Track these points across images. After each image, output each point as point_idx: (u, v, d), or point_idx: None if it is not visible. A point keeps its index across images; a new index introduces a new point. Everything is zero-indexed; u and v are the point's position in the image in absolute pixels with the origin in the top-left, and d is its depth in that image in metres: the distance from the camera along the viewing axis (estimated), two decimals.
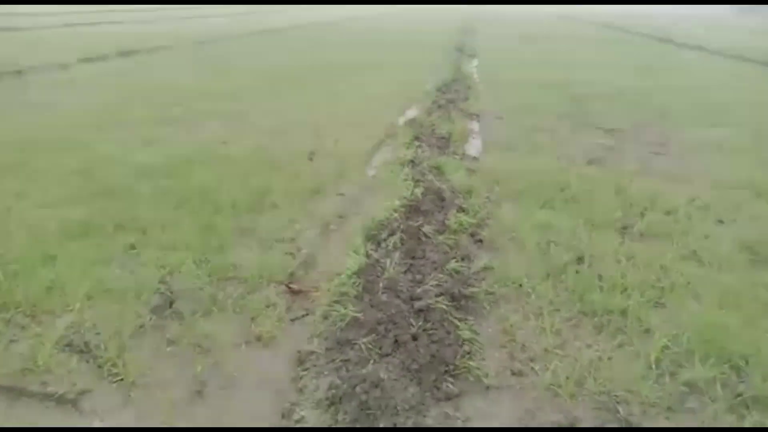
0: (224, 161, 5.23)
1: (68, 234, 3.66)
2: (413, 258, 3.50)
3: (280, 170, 5.05)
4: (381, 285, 3.08)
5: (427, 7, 58.01)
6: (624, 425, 2.26)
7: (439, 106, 8.09)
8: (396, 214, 4.01)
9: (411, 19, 33.62)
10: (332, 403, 2.29)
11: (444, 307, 2.89)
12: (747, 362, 2.54)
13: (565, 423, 2.28)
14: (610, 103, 8.54)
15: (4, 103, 7.97)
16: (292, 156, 5.49)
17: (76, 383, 2.37)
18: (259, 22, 27.02)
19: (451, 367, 2.54)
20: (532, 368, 2.60)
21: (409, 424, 2.22)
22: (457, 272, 3.31)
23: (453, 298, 3.02)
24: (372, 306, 2.89)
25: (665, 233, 3.93)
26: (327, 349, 2.64)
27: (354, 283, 3.11)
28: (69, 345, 2.58)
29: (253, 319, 2.90)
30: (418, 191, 4.46)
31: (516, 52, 14.86)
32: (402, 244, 3.62)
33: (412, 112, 7.72)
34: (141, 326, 2.77)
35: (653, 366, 2.56)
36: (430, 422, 2.24)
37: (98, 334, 2.66)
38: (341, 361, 2.54)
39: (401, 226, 3.80)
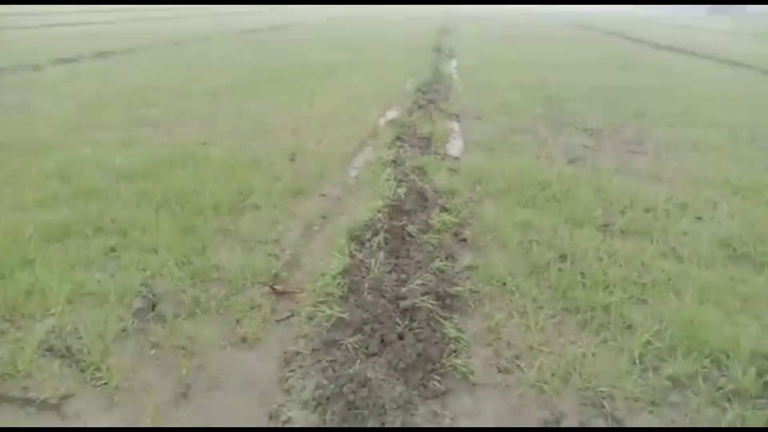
0: (204, 162, 5.18)
1: (46, 237, 3.60)
2: (398, 258, 3.51)
3: (262, 171, 5.02)
4: (366, 285, 3.08)
5: (409, 6, 57.91)
6: (609, 420, 2.29)
7: (420, 107, 8.12)
8: (379, 214, 4.01)
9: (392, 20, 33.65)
10: (319, 404, 2.29)
11: (429, 306, 2.90)
12: (728, 356, 2.59)
13: (551, 419, 2.30)
14: (588, 102, 8.63)
15: None
16: (273, 157, 5.45)
17: (58, 388, 2.32)
18: (234, 23, 26.82)
19: (438, 365, 2.55)
20: (518, 365, 2.62)
21: (398, 422, 2.22)
22: (442, 271, 3.32)
23: (438, 297, 3.03)
24: (357, 306, 2.89)
25: (645, 230, 3.99)
26: (313, 350, 2.63)
27: (339, 283, 3.11)
28: (50, 349, 2.54)
29: (237, 320, 2.88)
30: (401, 191, 4.47)
31: (496, 54, 14.95)
32: (386, 243, 3.63)
33: (392, 113, 7.74)
34: (123, 329, 2.73)
35: (636, 361, 2.60)
36: (418, 420, 2.25)
37: (80, 338, 2.61)
38: (328, 361, 2.53)
39: (385, 226, 3.80)
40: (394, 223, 3.89)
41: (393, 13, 42.38)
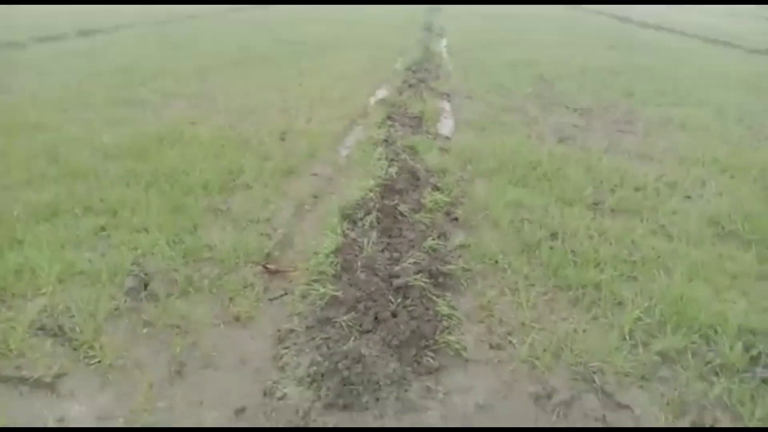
0: (193, 142, 5.12)
1: (35, 217, 3.56)
2: (390, 237, 3.51)
3: (252, 150, 4.99)
4: (359, 264, 3.09)
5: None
6: (600, 394, 2.32)
7: (410, 86, 8.07)
8: (371, 194, 4.01)
9: None
10: (314, 380, 2.30)
11: (422, 284, 2.91)
12: (716, 331, 2.64)
13: (542, 393, 2.33)
14: (577, 82, 8.63)
15: None
16: (263, 136, 5.41)
17: (51, 366, 2.32)
18: None
19: (431, 342, 2.57)
20: (510, 342, 2.65)
21: (392, 398, 2.24)
22: (434, 250, 3.33)
23: (431, 275, 3.05)
24: (351, 285, 2.90)
25: (635, 209, 4.02)
26: (307, 328, 2.64)
27: (332, 262, 3.11)
28: (42, 328, 2.53)
29: (230, 299, 2.88)
30: (393, 170, 4.46)
31: (485, 32, 14.85)
32: (378, 223, 3.63)
33: (382, 92, 7.69)
34: (116, 308, 2.72)
35: (627, 337, 2.64)
36: (412, 396, 2.27)
37: (72, 317, 2.60)
38: (322, 338, 2.54)
39: (377, 205, 3.80)
40: (386, 202, 3.89)
41: None
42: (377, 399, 2.23)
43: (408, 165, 4.63)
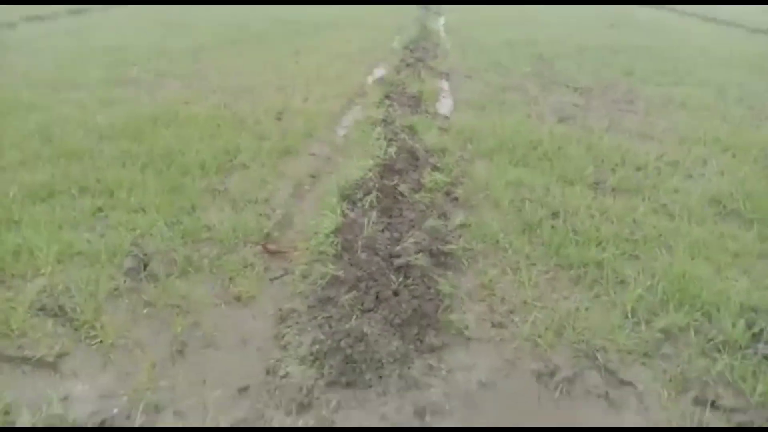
0: (188, 122, 5.07)
1: (31, 197, 3.52)
2: (390, 217, 3.49)
3: (248, 130, 4.94)
4: (359, 243, 3.06)
5: None
6: (603, 371, 2.32)
7: (408, 65, 7.99)
8: (370, 174, 3.97)
9: None
10: (317, 358, 2.29)
11: (423, 263, 2.89)
12: (718, 309, 2.63)
13: (545, 371, 2.33)
14: (577, 61, 8.56)
15: None
16: (259, 115, 5.35)
17: (53, 346, 2.30)
18: None
19: (433, 320, 2.56)
20: (512, 320, 2.64)
21: (395, 375, 2.24)
22: (435, 230, 3.30)
23: (432, 254, 3.03)
24: (352, 264, 2.88)
25: (636, 188, 4.00)
26: (309, 307, 2.63)
27: (332, 242, 3.08)
28: (43, 309, 2.50)
29: (230, 279, 2.86)
30: (392, 150, 4.42)
31: (483, 10, 14.71)
32: (378, 203, 3.60)
33: (380, 71, 7.61)
34: (116, 288, 2.70)
35: (629, 315, 2.63)
36: (414, 374, 2.27)
37: (72, 297, 2.58)
38: (324, 317, 2.53)
39: (376, 185, 3.77)
40: (386, 182, 3.86)
41: None
42: (380, 377, 2.23)
43: (407, 145, 4.59)
